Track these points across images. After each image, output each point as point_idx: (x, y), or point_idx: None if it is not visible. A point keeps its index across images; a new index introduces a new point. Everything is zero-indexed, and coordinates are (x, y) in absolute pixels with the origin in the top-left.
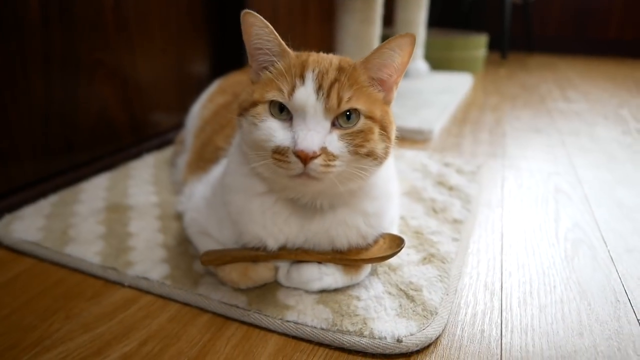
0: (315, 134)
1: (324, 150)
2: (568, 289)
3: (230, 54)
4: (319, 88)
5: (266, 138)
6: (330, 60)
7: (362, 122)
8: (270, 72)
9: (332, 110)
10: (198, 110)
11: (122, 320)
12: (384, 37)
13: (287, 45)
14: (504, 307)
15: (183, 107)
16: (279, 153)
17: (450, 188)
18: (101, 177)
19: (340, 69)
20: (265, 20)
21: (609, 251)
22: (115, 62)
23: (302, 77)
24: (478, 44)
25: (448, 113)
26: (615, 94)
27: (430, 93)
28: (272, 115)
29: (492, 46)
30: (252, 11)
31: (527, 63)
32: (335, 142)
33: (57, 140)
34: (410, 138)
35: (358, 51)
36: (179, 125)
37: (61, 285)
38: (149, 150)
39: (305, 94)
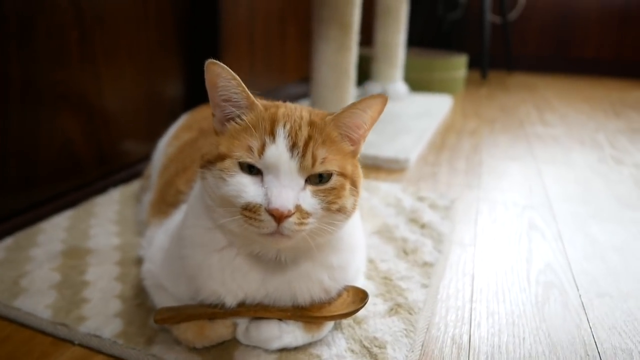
0: (290, 190)
1: (297, 207)
2: (537, 341)
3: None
4: (293, 146)
5: (236, 194)
6: (300, 114)
7: (334, 180)
8: (237, 124)
9: (306, 169)
10: (164, 147)
11: None
12: (363, 58)
13: (255, 93)
14: None
15: (154, 136)
16: (250, 210)
17: (423, 226)
18: (62, 216)
19: (312, 125)
20: (232, 72)
21: (580, 296)
22: (80, 94)
23: (273, 134)
24: (458, 65)
25: (425, 139)
26: (592, 117)
27: (408, 118)
28: (242, 169)
29: (473, 65)
30: (217, 62)
31: (507, 83)
32: (308, 199)
33: (15, 177)
34: (387, 167)
35: (334, 79)
36: (148, 156)
37: (7, 343)
38: (115, 184)
39: (277, 153)
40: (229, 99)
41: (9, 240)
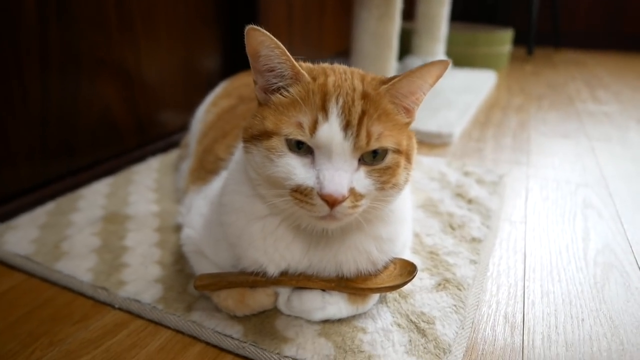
0: (344, 173)
1: (351, 191)
2: (598, 323)
3: (242, 50)
4: (347, 125)
5: (285, 176)
6: (352, 84)
7: (389, 158)
8: (283, 97)
9: (360, 148)
10: (202, 114)
11: (109, 348)
12: (405, 32)
13: (297, 57)
14: (525, 344)
15: (191, 107)
16: (301, 193)
17: (470, 201)
18: (102, 183)
19: (366, 97)
20: (275, 39)
21: None
22: (118, 61)
23: (325, 110)
24: (503, 40)
25: (469, 115)
26: None
27: (451, 92)
28: (290, 149)
29: (518, 41)
30: (259, 28)
31: (554, 60)
32: (362, 181)
33: (55, 143)
34: (429, 142)
35: (375, 49)
36: (186, 126)
37: (49, 305)
38: (154, 153)
39: (331, 132)
40: (273, 69)
41: (50, 205)
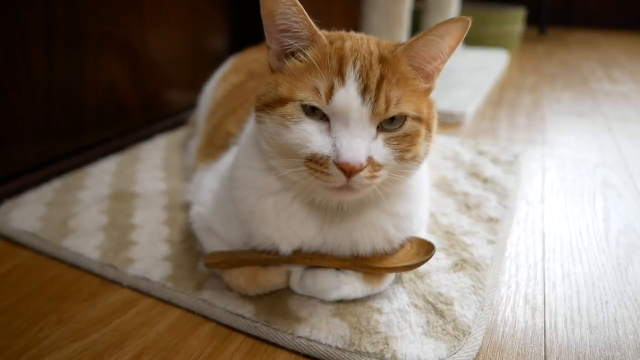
0: (362, 141)
1: (369, 160)
2: (622, 305)
3: (250, 28)
4: (365, 89)
5: (301, 143)
6: (369, 47)
7: (409, 125)
8: (298, 62)
9: (379, 115)
10: (211, 90)
11: (117, 327)
12: (415, 12)
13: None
14: (547, 326)
15: (198, 85)
16: (316, 162)
17: (485, 180)
18: (109, 161)
19: (384, 61)
20: None
21: None
22: (124, 37)
23: (342, 74)
24: (515, 19)
25: (482, 94)
26: None
27: (463, 72)
28: (307, 115)
29: (530, 21)
30: None
31: (567, 39)
32: (380, 149)
33: (61, 121)
34: (441, 121)
35: (386, 26)
36: (193, 105)
37: (56, 282)
38: (161, 131)
39: (347, 98)
40: (288, 29)
41: (57, 183)
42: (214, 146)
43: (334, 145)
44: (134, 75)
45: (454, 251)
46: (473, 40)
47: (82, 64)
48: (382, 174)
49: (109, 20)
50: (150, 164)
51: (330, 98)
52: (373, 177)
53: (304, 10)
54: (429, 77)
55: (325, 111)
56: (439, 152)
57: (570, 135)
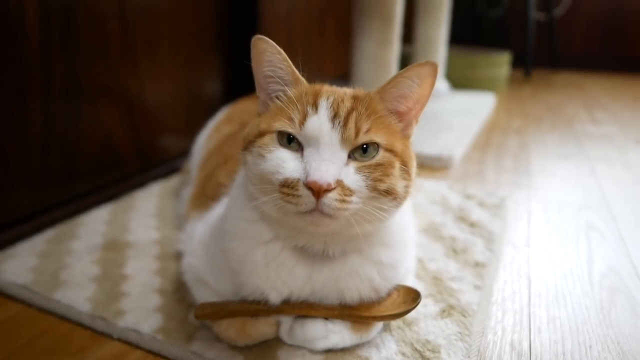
0: (330, 164)
1: (339, 183)
2: (606, 349)
3: (245, 75)
4: (335, 116)
5: (274, 170)
6: (344, 90)
7: (381, 155)
8: (280, 101)
9: (349, 141)
10: (204, 140)
11: None
12: (404, 56)
13: (301, 73)
14: None
15: (193, 132)
16: (288, 186)
17: (472, 224)
18: (102, 209)
19: (356, 98)
20: (278, 47)
21: None
22: (120, 87)
23: (315, 105)
24: (501, 62)
25: (469, 137)
26: None
27: (450, 115)
28: (281, 144)
29: (516, 64)
30: (264, 37)
31: (552, 81)
32: (352, 175)
33: (56, 170)
34: (430, 165)
35: (375, 74)
36: (187, 151)
37: (47, 336)
38: (155, 178)
39: (319, 122)
40: (274, 75)
41: (50, 232)
42: (206, 196)
43: (305, 168)
44: (130, 124)
45: (442, 297)
46: (460, 83)
47: (78, 114)
48: (354, 200)
49: (106, 71)
50: (144, 212)
51: (303, 125)
52: (344, 201)
53: (288, 59)
54: (402, 116)
55: (298, 138)
56: (427, 196)
57: (556, 177)
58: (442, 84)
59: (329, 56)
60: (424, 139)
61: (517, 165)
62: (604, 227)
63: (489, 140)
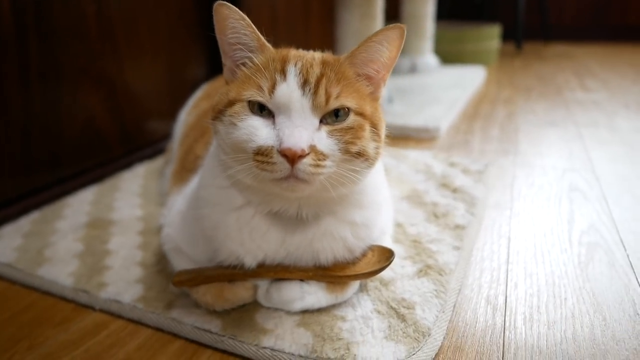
0: (303, 130)
1: (312, 148)
2: (581, 301)
3: None
4: (305, 83)
5: (247, 138)
6: (312, 55)
7: (352, 119)
8: (247, 69)
9: (320, 107)
10: (183, 117)
11: (88, 349)
12: None
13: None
14: (507, 325)
15: (176, 114)
16: (262, 154)
17: (455, 190)
18: (88, 191)
19: (325, 63)
20: (241, 13)
21: (628, 256)
22: (100, 71)
23: (284, 72)
24: (491, 35)
25: (457, 109)
26: (637, 81)
27: (438, 89)
28: (253, 112)
29: (506, 37)
30: (225, 2)
31: (543, 53)
32: (324, 140)
33: (40, 154)
34: (416, 137)
35: None
36: (171, 134)
37: (30, 310)
38: (140, 160)
39: (288, 90)
40: (239, 42)
41: (35, 214)
42: (185, 170)
43: (277, 135)
44: (112, 108)
45: (420, 258)
46: (451, 58)
47: (58, 98)
48: (328, 164)
49: (84, 54)
50: (129, 192)
51: (272, 93)
52: (318, 165)
53: (252, 24)
54: (372, 80)
55: (269, 106)
56: (411, 166)
57: (542, 144)
58: (431, 58)
59: (314, 37)
60: (411, 113)
61: (504, 134)
62: (587, 188)
63: (477, 111)
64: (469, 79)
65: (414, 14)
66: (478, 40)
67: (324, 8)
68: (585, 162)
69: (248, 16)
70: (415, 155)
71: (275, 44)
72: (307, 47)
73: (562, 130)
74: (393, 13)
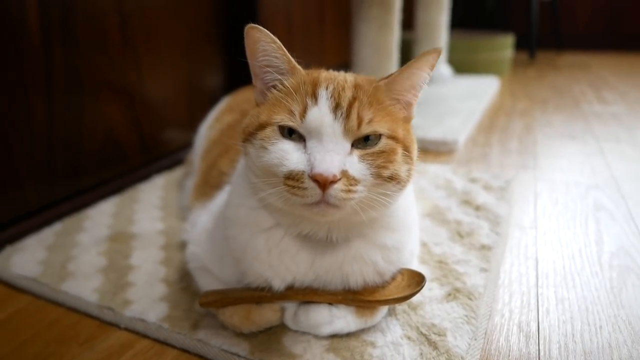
0: (335, 154)
1: (344, 173)
2: (617, 330)
3: (244, 66)
4: (336, 107)
5: (278, 162)
6: (344, 77)
7: (383, 142)
8: (277, 92)
9: (352, 132)
10: (205, 130)
11: None
12: (405, 42)
13: (299, 60)
14: (541, 354)
15: (195, 124)
16: (293, 179)
17: (477, 208)
18: (108, 202)
19: (357, 87)
20: (272, 35)
21: None
22: (121, 82)
23: (315, 96)
24: (504, 45)
25: (474, 121)
26: None
27: (454, 99)
28: (283, 136)
29: (519, 46)
30: (257, 25)
31: (557, 63)
32: (356, 164)
33: (61, 165)
34: (434, 150)
35: (376, 60)
36: (190, 143)
37: (55, 326)
38: (159, 171)
39: (319, 114)
40: (270, 64)
41: (57, 226)
42: (209, 185)
43: (309, 160)
44: (132, 118)
45: (447, 281)
46: (464, 67)
47: (81, 110)
48: (360, 189)
49: (106, 66)
50: (148, 204)
51: (303, 117)
52: (349, 191)
53: (283, 47)
54: (407, 105)
55: (300, 130)
56: (431, 181)
57: (562, 158)
58: (445, 69)
59: (329, 45)
60: (428, 125)
61: (523, 147)
62: (613, 207)
63: (493, 123)
64: (483, 89)
65: (427, 23)
66: (492, 50)
67: (339, 17)
68: (609, 180)
69: (265, 26)
70: (434, 170)
71: (291, 52)
72: (322, 56)
73: (582, 143)
74: (408, 23)
